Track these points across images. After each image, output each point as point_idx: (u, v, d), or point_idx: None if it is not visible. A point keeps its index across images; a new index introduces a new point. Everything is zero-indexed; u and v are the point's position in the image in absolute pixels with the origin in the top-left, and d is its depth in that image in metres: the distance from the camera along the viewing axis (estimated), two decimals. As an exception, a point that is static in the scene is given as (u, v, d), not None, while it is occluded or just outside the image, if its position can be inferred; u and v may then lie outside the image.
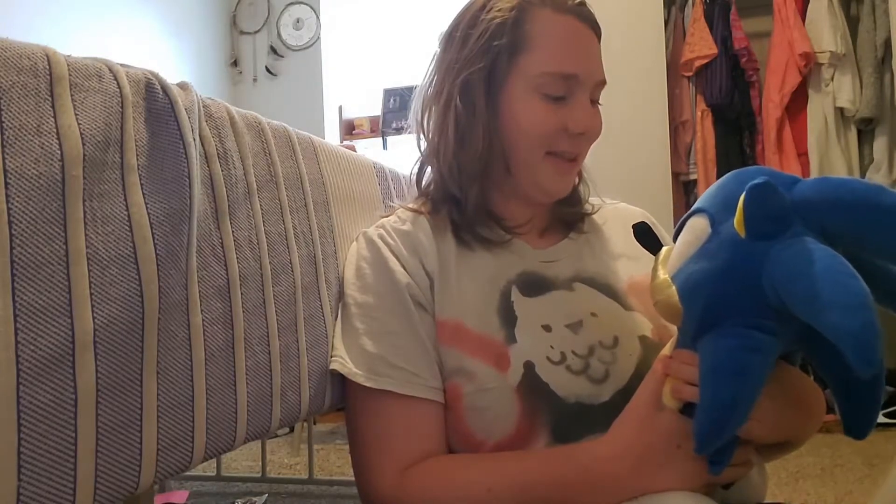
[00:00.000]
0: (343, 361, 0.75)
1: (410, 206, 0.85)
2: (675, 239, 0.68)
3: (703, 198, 0.66)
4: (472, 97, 0.78)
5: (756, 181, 0.55)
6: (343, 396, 0.80)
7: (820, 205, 0.55)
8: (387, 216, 0.86)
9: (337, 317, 0.81)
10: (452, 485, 0.70)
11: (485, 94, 0.77)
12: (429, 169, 0.86)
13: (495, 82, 0.77)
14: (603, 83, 0.80)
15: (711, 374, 0.58)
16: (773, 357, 0.58)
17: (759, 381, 0.57)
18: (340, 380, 0.78)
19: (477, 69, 0.77)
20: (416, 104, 0.86)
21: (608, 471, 0.64)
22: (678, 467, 0.62)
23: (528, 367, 0.72)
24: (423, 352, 0.74)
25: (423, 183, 0.87)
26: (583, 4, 0.79)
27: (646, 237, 0.74)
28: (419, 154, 0.86)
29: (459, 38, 0.79)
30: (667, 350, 0.68)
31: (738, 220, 0.57)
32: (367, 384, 0.73)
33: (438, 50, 0.83)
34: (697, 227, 0.63)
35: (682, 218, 0.68)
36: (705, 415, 0.58)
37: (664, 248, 0.69)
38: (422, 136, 0.85)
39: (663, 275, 0.65)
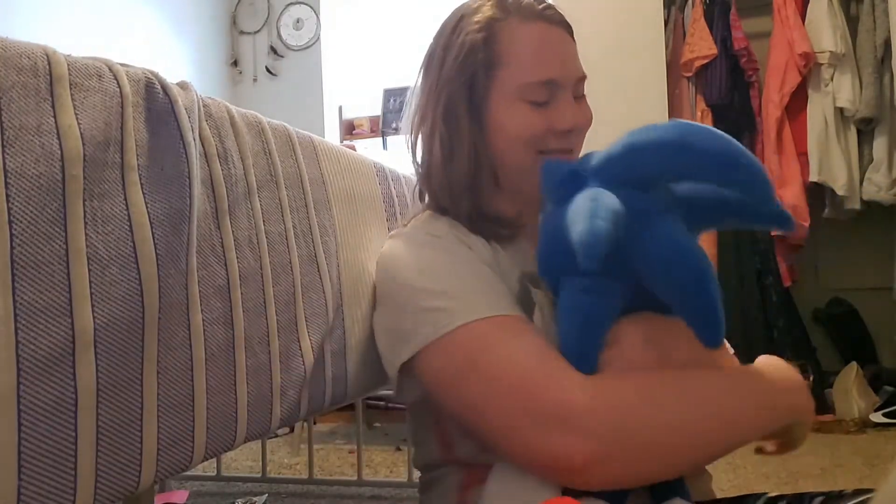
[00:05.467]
0: (446, 322, 0.68)
1: (421, 213, 0.84)
2: None
3: None
4: (455, 115, 0.79)
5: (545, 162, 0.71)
6: (343, 396, 0.79)
7: (614, 158, 0.65)
8: (403, 227, 0.84)
9: (368, 331, 0.80)
10: (650, 395, 0.63)
11: (467, 111, 0.79)
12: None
13: (476, 98, 0.78)
14: (583, 78, 0.81)
15: (559, 317, 0.68)
16: (614, 295, 0.65)
17: (595, 316, 0.66)
18: (341, 380, 0.78)
19: (457, 87, 0.78)
20: (404, 130, 0.87)
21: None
22: None
23: None
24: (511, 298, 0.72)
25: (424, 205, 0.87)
26: (549, 7, 0.80)
27: None
28: (416, 178, 0.87)
29: (437, 62, 0.81)
30: None
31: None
32: (492, 314, 0.67)
33: (420, 77, 0.85)
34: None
35: None
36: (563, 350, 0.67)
37: None
38: (416, 160, 0.86)
39: None
